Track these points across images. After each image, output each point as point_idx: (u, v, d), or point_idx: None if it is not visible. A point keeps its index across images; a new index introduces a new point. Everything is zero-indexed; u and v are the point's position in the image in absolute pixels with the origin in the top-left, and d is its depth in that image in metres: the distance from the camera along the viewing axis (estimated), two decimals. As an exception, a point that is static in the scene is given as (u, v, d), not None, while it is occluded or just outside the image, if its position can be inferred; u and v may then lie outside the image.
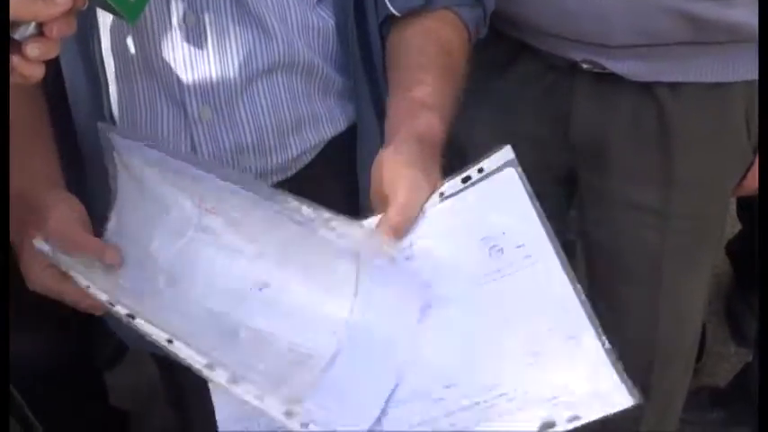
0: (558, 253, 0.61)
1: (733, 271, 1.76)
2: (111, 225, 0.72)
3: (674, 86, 0.94)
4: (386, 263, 0.63)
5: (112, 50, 0.74)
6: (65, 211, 0.70)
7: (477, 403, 0.57)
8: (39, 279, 0.69)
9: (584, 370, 0.57)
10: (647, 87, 0.94)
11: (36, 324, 1.02)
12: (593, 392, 0.56)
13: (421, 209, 0.63)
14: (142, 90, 0.76)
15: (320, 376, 0.61)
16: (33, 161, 0.74)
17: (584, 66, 0.94)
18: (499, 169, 0.63)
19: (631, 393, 0.56)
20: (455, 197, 0.63)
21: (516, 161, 0.63)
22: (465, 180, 0.63)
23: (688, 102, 0.95)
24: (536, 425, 0.55)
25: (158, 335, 0.60)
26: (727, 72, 0.95)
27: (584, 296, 0.59)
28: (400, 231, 0.62)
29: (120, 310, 0.62)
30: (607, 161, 0.99)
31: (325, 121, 0.81)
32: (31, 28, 0.57)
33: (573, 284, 0.60)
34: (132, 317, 0.62)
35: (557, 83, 0.98)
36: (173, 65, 0.73)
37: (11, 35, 0.57)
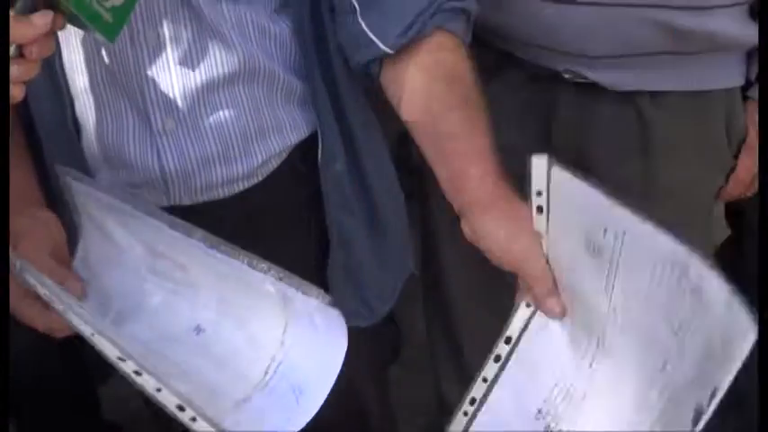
0: (635, 213, 0.60)
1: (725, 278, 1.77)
2: (79, 255, 0.74)
3: (654, 95, 0.96)
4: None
5: (76, 65, 0.76)
6: (37, 236, 0.72)
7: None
8: None
9: (722, 316, 0.54)
10: (628, 96, 0.96)
11: (29, 338, 1.02)
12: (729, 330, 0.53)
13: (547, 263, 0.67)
14: (107, 103, 0.77)
15: (231, 408, 0.66)
16: (12, 180, 0.75)
17: (567, 75, 0.96)
18: (549, 178, 0.65)
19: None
20: (545, 231, 0.67)
21: (553, 159, 0.64)
22: (539, 210, 0.66)
23: (669, 110, 0.96)
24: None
25: (85, 328, 0.64)
26: (708, 80, 0.97)
27: (682, 241, 0.57)
28: (554, 293, 0.67)
29: (57, 305, 0.66)
30: (590, 169, 1.00)
31: (289, 127, 0.82)
32: (12, 49, 0.59)
33: (669, 235, 0.58)
34: (66, 312, 0.65)
35: (540, 92, 1.00)
36: (135, 78, 0.74)
37: None
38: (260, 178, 0.82)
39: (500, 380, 0.67)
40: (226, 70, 0.75)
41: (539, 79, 0.99)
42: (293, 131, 0.82)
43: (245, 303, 0.71)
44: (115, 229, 0.75)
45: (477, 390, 0.68)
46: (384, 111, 0.83)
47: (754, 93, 1.00)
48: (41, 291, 0.67)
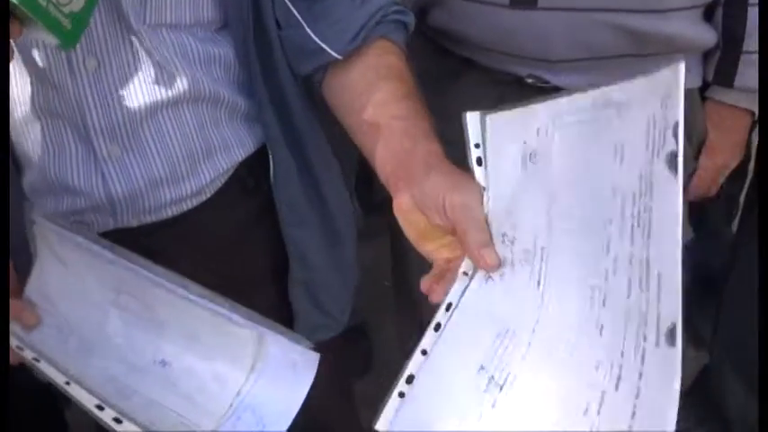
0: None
1: (689, 278, 1.79)
2: (33, 283, 0.73)
3: (616, 97, 0.97)
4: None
5: (14, 97, 0.74)
6: None
7: None
8: None
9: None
10: (590, 99, 0.97)
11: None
12: None
13: (486, 218, 0.64)
14: (48, 132, 0.75)
15: None
16: None
17: (529, 80, 0.97)
18: (485, 128, 0.66)
19: None
20: (485, 183, 0.65)
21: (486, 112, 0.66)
22: (479, 162, 0.66)
23: (630, 112, 0.98)
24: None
25: (58, 377, 0.66)
26: (666, 82, 0.98)
27: None
28: (489, 244, 0.64)
29: (28, 354, 0.67)
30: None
31: (235, 144, 0.81)
32: None
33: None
34: (37, 360, 0.67)
35: (503, 97, 1.00)
36: (76, 107, 0.73)
37: None
38: (208, 195, 0.81)
39: (437, 348, 0.64)
40: (170, 94, 0.75)
41: (501, 84, 1.00)
42: (240, 148, 0.82)
43: (212, 342, 0.71)
44: (77, 264, 0.74)
45: (415, 364, 0.64)
46: (343, 133, 0.83)
47: (713, 93, 1.03)
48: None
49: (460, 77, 1.02)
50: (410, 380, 0.63)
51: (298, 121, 0.83)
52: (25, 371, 1.04)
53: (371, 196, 1.87)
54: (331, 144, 0.91)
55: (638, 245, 0.56)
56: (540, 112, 0.63)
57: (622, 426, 0.52)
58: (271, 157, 0.81)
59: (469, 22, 0.95)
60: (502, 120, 0.66)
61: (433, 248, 0.67)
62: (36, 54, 0.71)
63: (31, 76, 0.73)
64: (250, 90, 0.80)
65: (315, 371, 0.69)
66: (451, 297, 0.65)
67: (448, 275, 0.66)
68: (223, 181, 0.82)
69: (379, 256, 1.47)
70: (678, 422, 1.66)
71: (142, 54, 0.73)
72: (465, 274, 0.65)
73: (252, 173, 0.83)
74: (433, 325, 0.64)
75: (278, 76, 0.80)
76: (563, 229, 0.61)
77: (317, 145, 0.87)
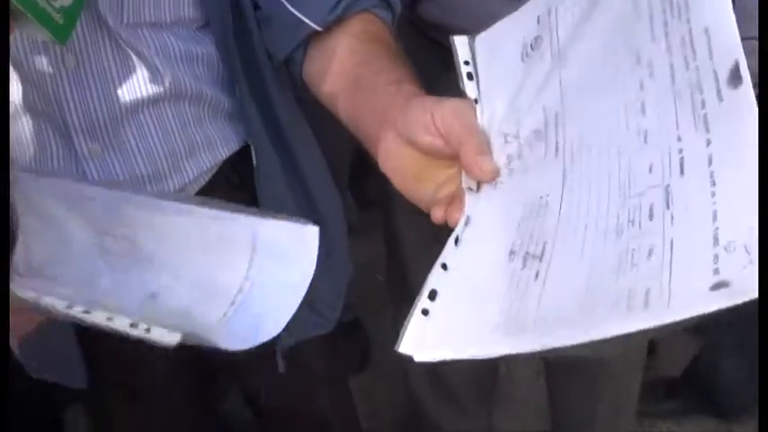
0: None
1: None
2: (19, 255, 0.72)
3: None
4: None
5: None
6: None
7: None
8: None
9: None
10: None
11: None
12: None
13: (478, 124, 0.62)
14: (27, 128, 0.74)
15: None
16: None
17: (521, 71, 0.97)
18: (474, 47, 0.67)
19: None
20: (477, 95, 0.64)
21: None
22: (470, 77, 0.65)
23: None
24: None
25: (28, 293, 0.62)
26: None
27: None
28: (485, 152, 0.60)
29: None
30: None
31: (219, 142, 0.81)
32: None
33: None
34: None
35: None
36: (55, 105, 0.72)
37: None
38: (191, 193, 0.80)
39: (458, 259, 0.59)
40: (151, 93, 0.74)
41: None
42: (224, 146, 0.81)
43: (203, 259, 0.69)
44: (58, 213, 0.72)
45: (436, 279, 0.59)
46: (335, 126, 0.83)
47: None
48: None
49: (452, 69, 1.02)
50: (432, 296, 0.57)
51: (281, 118, 0.82)
52: (24, 373, 1.04)
53: (365, 191, 1.87)
54: (321, 140, 0.91)
55: (675, 31, 0.50)
56: (538, 4, 0.61)
57: (704, 201, 0.44)
58: (254, 153, 0.81)
59: (461, 13, 0.95)
60: (493, 32, 0.65)
61: (428, 190, 0.63)
62: (15, 51, 0.70)
63: (10, 74, 0.72)
64: (233, 87, 0.79)
65: (317, 242, 0.65)
66: (467, 211, 0.61)
67: (459, 198, 0.62)
68: (207, 179, 0.81)
69: (373, 251, 1.48)
70: (670, 409, 1.68)
71: (122, 52, 0.72)
72: (470, 189, 0.62)
73: (236, 170, 0.82)
74: (452, 240, 0.60)
75: (260, 71, 0.79)
76: (579, 80, 0.57)
77: (303, 141, 0.86)
